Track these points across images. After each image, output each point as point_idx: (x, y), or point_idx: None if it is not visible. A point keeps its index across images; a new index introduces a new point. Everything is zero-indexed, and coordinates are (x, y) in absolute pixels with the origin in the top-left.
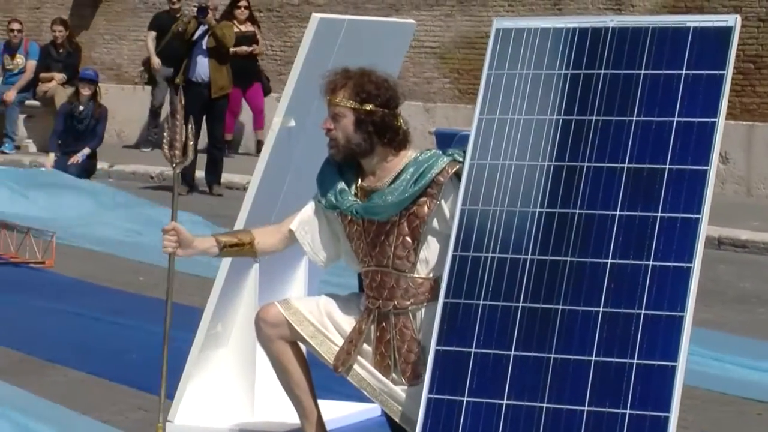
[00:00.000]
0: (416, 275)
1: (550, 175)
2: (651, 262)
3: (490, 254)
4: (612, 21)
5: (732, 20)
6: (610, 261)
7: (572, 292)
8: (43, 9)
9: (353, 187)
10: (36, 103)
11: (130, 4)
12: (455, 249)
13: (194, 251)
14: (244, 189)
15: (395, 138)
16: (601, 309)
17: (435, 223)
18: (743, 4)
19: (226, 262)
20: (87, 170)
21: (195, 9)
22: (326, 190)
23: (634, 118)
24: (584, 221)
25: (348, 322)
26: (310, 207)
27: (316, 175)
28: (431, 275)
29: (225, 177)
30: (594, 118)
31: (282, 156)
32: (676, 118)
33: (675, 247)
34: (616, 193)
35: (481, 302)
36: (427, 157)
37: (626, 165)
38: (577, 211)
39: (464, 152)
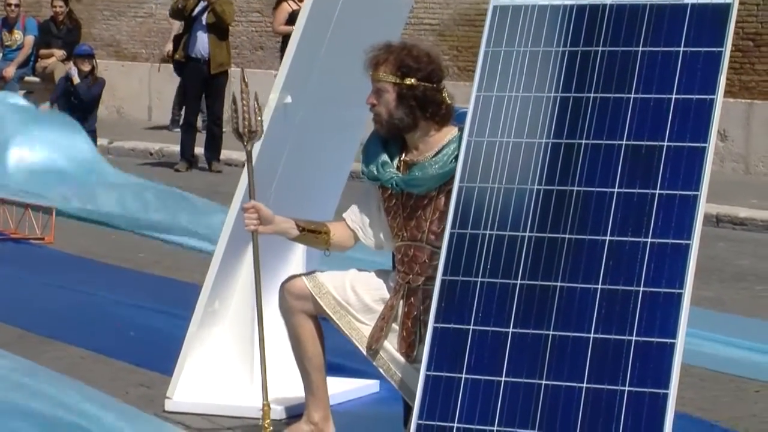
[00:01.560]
0: None
1: (548, 153)
2: (649, 239)
3: (488, 231)
4: None
5: None
6: (608, 238)
7: (570, 269)
8: None
9: (396, 160)
10: (35, 79)
11: None
12: (453, 226)
13: (274, 228)
14: (243, 165)
15: (438, 112)
16: (599, 286)
17: None
18: None
19: (224, 239)
20: None
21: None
22: (369, 162)
23: (632, 96)
24: (582, 198)
25: (374, 299)
26: (360, 195)
27: (362, 147)
28: None
29: (224, 153)
30: (592, 95)
31: (279, 132)
32: (674, 96)
33: (673, 224)
34: (614, 171)
35: (479, 279)
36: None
37: (624, 142)
38: (575, 188)
39: None
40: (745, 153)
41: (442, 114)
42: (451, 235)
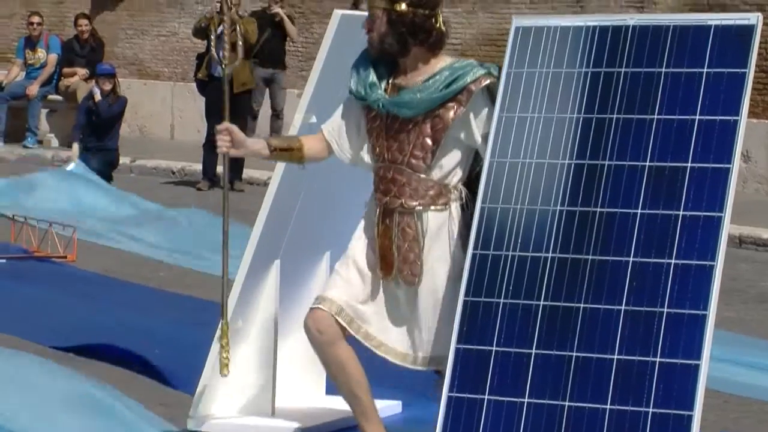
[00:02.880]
0: (428, 177)
1: (571, 174)
2: (673, 261)
3: (510, 252)
4: (632, 19)
5: (754, 18)
6: (631, 259)
7: (594, 290)
8: (66, 4)
9: (384, 82)
10: (58, 97)
11: None
12: (475, 247)
13: (246, 151)
14: (265, 184)
15: (428, 39)
16: (623, 307)
17: (458, 130)
18: (766, 2)
19: (247, 257)
20: (110, 164)
21: (218, 5)
22: (357, 81)
23: (656, 117)
24: (606, 219)
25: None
26: (340, 108)
27: (352, 64)
28: (443, 181)
29: (246, 172)
30: (615, 116)
31: None
32: (697, 117)
33: (697, 246)
34: (637, 192)
35: (502, 300)
36: (463, 64)
37: (647, 163)
38: (599, 209)
39: (498, 68)
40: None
41: (432, 41)
42: (474, 255)
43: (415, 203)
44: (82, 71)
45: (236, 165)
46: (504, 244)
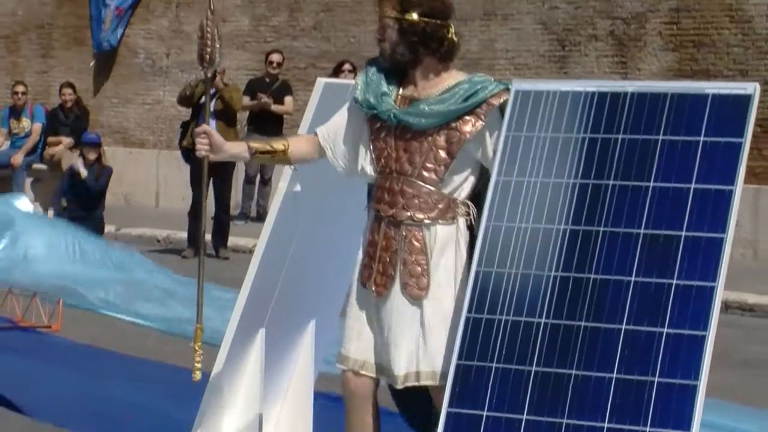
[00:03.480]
0: (438, 190)
1: (566, 239)
2: (665, 330)
3: (503, 317)
4: (631, 86)
5: (751, 88)
6: (624, 327)
7: (586, 357)
8: (50, 73)
9: (394, 93)
10: (43, 166)
11: (137, 67)
12: (469, 310)
13: (225, 155)
14: (251, 252)
15: (440, 48)
16: (614, 375)
17: (474, 144)
18: (749, 68)
19: (233, 325)
20: (95, 233)
21: (202, 73)
22: (366, 91)
23: (651, 184)
24: (599, 286)
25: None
26: (339, 114)
27: (360, 75)
28: (452, 195)
29: (231, 240)
30: (611, 182)
31: (288, 220)
32: (693, 185)
33: (689, 315)
34: (631, 259)
35: (494, 365)
36: (482, 79)
37: (642, 231)
38: (593, 276)
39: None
40: (753, 239)
41: (444, 51)
42: (467, 319)
43: (423, 216)
44: (67, 140)
45: (221, 233)
46: (497, 308)
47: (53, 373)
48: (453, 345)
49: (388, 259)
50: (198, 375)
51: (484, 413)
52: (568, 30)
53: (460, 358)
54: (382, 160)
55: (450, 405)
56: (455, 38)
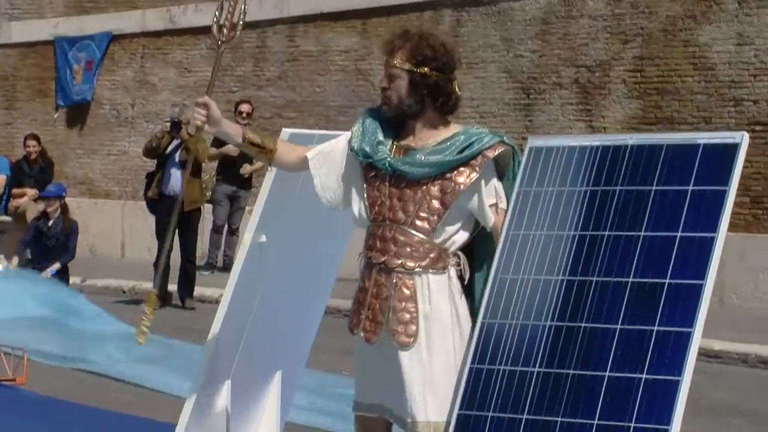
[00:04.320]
0: (430, 240)
1: (562, 290)
2: (644, 375)
3: (502, 367)
4: (632, 139)
5: (739, 137)
6: (607, 374)
7: (572, 404)
8: (15, 125)
9: (390, 142)
10: (7, 218)
11: (102, 118)
12: (473, 361)
13: (220, 129)
14: (217, 302)
15: (447, 102)
16: (595, 422)
17: (467, 196)
18: (713, 115)
19: (199, 378)
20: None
21: (168, 124)
22: (362, 140)
23: (642, 233)
24: (588, 334)
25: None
26: (333, 144)
27: (356, 124)
28: (443, 245)
29: (197, 290)
30: (606, 233)
31: (254, 271)
32: (679, 233)
33: (667, 361)
34: (619, 307)
35: (490, 414)
36: (478, 131)
37: (631, 279)
38: (583, 324)
39: (512, 145)
40: (718, 285)
41: (451, 105)
42: (471, 369)
43: (414, 264)
44: (32, 192)
45: (187, 283)
46: (498, 359)
47: (17, 426)
48: (443, 396)
49: (378, 306)
50: (141, 339)
51: None
52: (533, 78)
53: (461, 407)
54: (376, 208)
55: None
56: (459, 92)
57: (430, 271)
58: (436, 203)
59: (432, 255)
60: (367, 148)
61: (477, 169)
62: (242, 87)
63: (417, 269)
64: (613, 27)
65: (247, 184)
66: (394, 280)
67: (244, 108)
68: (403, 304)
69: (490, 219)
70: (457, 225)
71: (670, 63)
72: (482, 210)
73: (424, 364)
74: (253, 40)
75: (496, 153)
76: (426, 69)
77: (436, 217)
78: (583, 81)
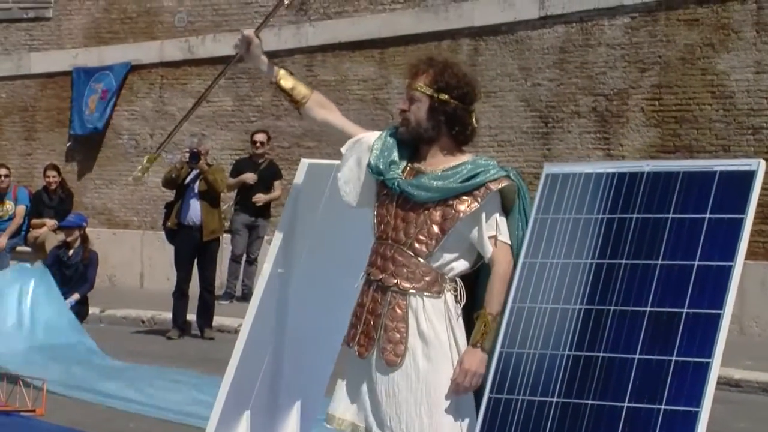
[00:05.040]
0: (427, 263)
1: (581, 319)
2: (663, 406)
3: (521, 396)
4: (648, 166)
5: (755, 164)
6: (626, 405)
7: None
8: (34, 155)
9: (404, 163)
10: (27, 248)
11: (120, 149)
12: (491, 391)
13: (257, 62)
14: (236, 332)
15: (463, 132)
16: None
17: (467, 225)
18: (731, 143)
19: (218, 408)
20: (79, 315)
21: (187, 154)
22: (378, 157)
23: (659, 262)
24: (606, 364)
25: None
26: (368, 137)
27: (383, 138)
28: (441, 270)
29: (216, 320)
30: (623, 261)
31: (273, 301)
32: (696, 262)
33: (686, 392)
34: (636, 337)
35: None
36: (485, 162)
37: (648, 308)
38: (601, 354)
39: (519, 176)
40: (739, 314)
41: (467, 135)
42: (489, 399)
43: (409, 286)
44: (51, 222)
45: (206, 313)
46: (516, 389)
47: None
48: (424, 418)
49: (372, 322)
50: (139, 174)
51: None
52: (551, 107)
53: None
54: (382, 226)
55: None
56: (476, 124)
57: (425, 294)
58: (435, 228)
59: (428, 278)
60: (381, 166)
61: (479, 199)
62: (261, 116)
63: (411, 291)
64: (631, 55)
65: (265, 213)
66: (389, 299)
67: (259, 138)
68: (395, 323)
69: (489, 250)
70: (456, 253)
71: (688, 91)
72: (481, 241)
73: (418, 383)
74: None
75: (500, 186)
76: (446, 96)
77: (434, 242)
78: (601, 109)
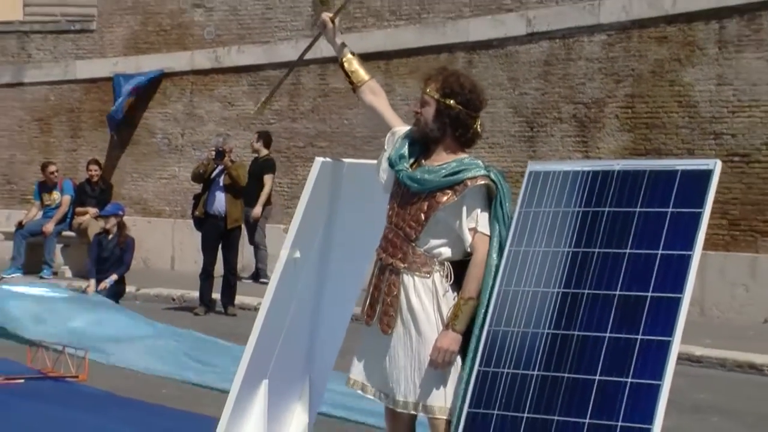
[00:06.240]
0: (416, 246)
1: (558, 301)
2: (630, 379)
3: (506, 370)
4: (618, 165)
5: (713, 164)
6: (597, 378)
7: (566, 404)
8: (79, 151)
9: (414, 158)
10: (72, 233)
11: (154, 146)
12: (480, 364)
13: (331, 42)
14: (255, 309)
15: (465, 135)
16: (587, 420)
17: (446, 214)
18: (695, 147)
19: (240, 375)
20: (116, 293)
21: (213, 152)
22: (394, 149)
23: (628, 251)
24: (581, 342)
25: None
26: (397, 135)
27: (404, 133)
28: (429, 253)
29: (238, 299)
30: (597, 250)
31: (288, 283)
32: (660, 251)
33: (650, 367)
34: (607, 317)
35: (496, 412)
36: (469, 162)
37: (617, 292)
38: (576, 332)
39: (500, 175)
40: (699, 298)
41: (468, 138)
42: (479, 372)
43: (403, 266)
44: (93, 210)
45: (229, 292)
46: (502, 362)
47: (80, 418)
48: (436, 381)
49: (375, 296)
50: (257, 110)
51: None
52: (536, 113)
53: (470, 406)
54: (390, 212)
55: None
56: (479, 129)
57: (416, 273)
58: (422, 215)
59: (417, 260)
60: (393, 157)
61: (457, 193)
62: (279, 119)
63: (404, 270)
64: (607, 68)
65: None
66: (387, 276)
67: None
68: (389, 298)
69: (468, 239)
70: (441, 238)
71: (657, 100)
72: (462, 231)
73: (411, 351)
74: (289, 78)
75: (478, 183)
76: (452, 101)
77: (420, 227)
78: (580, 116)
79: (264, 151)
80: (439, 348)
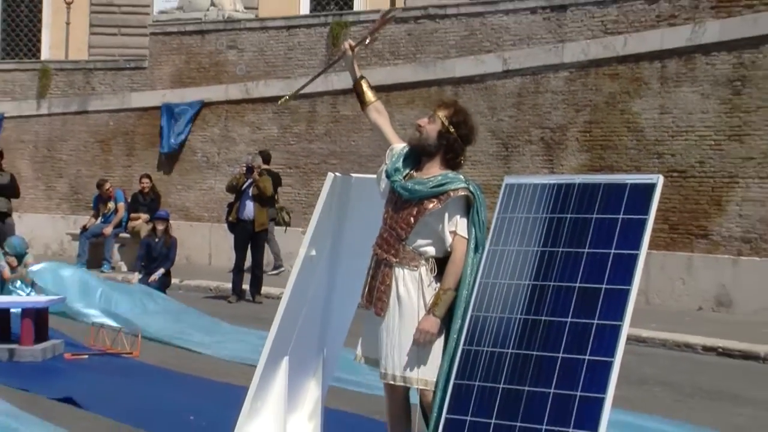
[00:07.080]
0: (405, 245)
1: (528, 291)
2: (587, 357)
3: (486, 348)
4: (578, 179)
5: (656, 179)
6: (561, 355)
7: (536, 377)
8: (133, 167)
9: (407, 170)
10: (127, 235)
11: (195, 163)
12: (464, 343)
13: (348, 67)
14: (278, 298)
15: (453, 160)
16: (552, 390)
17: (432, 219)
18: (642, 165)
19: (265, 352)
20: (164, 285)
21: (244, 168)
22: (391, 163)
23: (586, 250)
24: (547, 325)
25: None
26: (394, 151)
27: (400, 149)
28: (416, 251)
29: (264, 289)
30: (561, 249)
31: (305, 276)
32: (613, 251)
33: (604, 346)
34: (569, 305)
35: (477, 383)
36: (453, 176)
37: (578, 284)
38: (544, 317)
39: (478, 188)
40: (645, 289)
41: (455, 162)
42: (463, 350)
43: (395, 260)
44: (144, 216)
45: (257, 284)
46: (482, 342)
47: (134, 388)
48: (414, 356)
49: (372, 285)
50: (284, 100)
51: (468, 418)
52: (510, 136)
53: (456, 378)
54: (386, 215)
55: (448, 412)
56: (462, 161)
57: (405, 267)
58: (411, 219)
59: (406, 256)
60: (390, 170)
61: (441, 202)
62: (298, 141)
63: (395, 263)
64: (569, 100)
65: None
66: (381, 269)
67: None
68: (383, 288)
69: (448, 240)
70: (427, 239)
71: (611, 126)
72: (444, 233)
73: (397, 331)
74: (306, 107)
75: (459, 194)
76: (453, 130)
77: (409, 228)
78: (547, 139)
79: (264, 166)
80: (420, 330)
